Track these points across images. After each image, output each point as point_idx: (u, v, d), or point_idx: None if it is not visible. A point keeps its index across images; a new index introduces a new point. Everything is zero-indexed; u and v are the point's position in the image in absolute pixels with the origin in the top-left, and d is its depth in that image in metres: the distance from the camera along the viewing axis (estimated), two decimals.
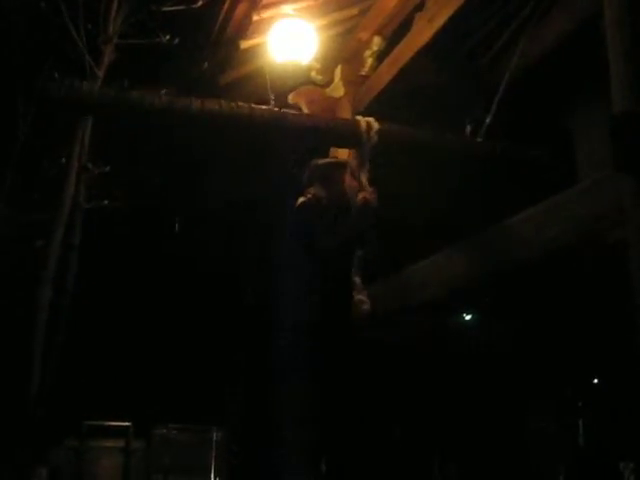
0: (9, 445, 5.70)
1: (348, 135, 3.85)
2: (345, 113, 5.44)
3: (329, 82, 5.63)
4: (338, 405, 4.91)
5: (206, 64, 5.31)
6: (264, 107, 3.70)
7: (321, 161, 4.28)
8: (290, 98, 5.16)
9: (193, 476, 7.15)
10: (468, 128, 4.26)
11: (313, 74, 5.41)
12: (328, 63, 5.53)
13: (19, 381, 5.80)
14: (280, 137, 3.89)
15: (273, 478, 5.48)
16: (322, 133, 3.95)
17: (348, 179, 3.93)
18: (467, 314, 6.22)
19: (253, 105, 3.69)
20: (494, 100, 4.10)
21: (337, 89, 5.59)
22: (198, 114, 3.56)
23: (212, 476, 7.12)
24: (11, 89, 6.49)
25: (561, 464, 5.82)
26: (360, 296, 3.78)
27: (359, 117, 3.84)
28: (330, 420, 4.81)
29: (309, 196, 4.05)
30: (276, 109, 3.74)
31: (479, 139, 4.13)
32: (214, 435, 7.14)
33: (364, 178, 3.80)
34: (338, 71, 5.60)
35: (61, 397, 6.10)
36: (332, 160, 4.30)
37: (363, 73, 5.41)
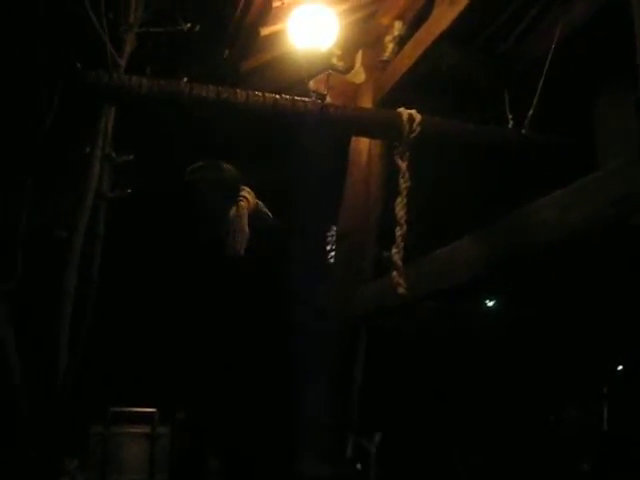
0: (38, 435, 5.78)
1: (390, 127, 3.81)
2: (366, 99, 5.42)
3: (350, 68, 5.62)
4: (352, 397, 4.92)
5: (227, 52, 5.31)
6: (307, 99, 3.68)
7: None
8: (311, 85, 5.14)
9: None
10: (510, 120, 4.18)
11: (334, 60, 5.38)
12: (349, 49, 5.51)
13: (46, 369, 5.88)
14: (322, 129, 3.86)
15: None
16: (364, 125, 3.96)
17: None
18: (489, 300, 6.20)
19: (296, 98, 3.66)
20: (537, 90, 4.00)
21: (358, 75, 5.57)
22: (243, 106, 3.53)
23: None
24: (34, 78, 6.53)
25: (587, 450, 5.80)
26: (397, 278, 3.64)
27: (401, 109, 3.78)
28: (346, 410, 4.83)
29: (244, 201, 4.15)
30: (319, 101, 3.71)
31: (523, 130, 4.07)
32: None
33: (404, 166, 3.74)
34: (359, 57, 5.58)
35: (87, 384, 6.18)
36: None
37: (384, 58, 5.38)
